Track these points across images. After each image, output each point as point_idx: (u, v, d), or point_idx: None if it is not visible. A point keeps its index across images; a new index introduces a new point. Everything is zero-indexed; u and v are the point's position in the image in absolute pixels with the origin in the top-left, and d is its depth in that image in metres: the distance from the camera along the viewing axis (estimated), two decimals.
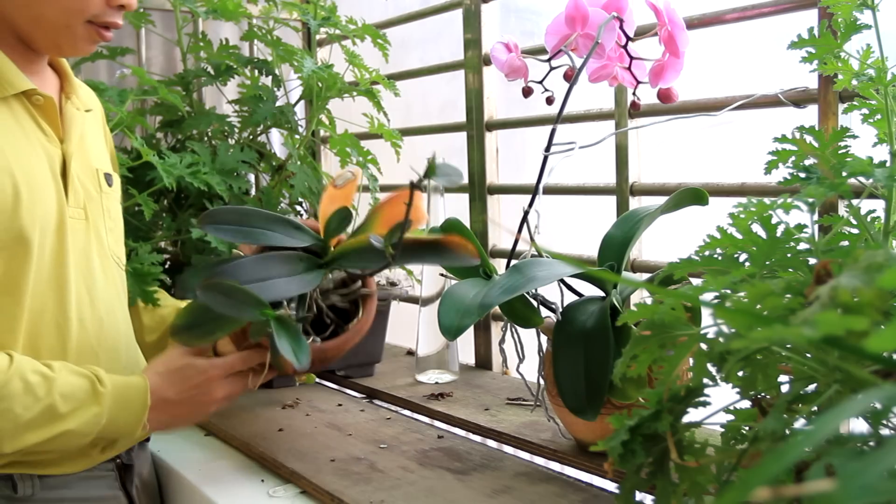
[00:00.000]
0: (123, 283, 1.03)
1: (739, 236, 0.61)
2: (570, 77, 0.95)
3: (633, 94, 0.99)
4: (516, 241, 1.00)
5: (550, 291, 0.96)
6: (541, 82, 0.99)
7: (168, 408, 0.93)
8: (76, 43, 0.92)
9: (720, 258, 0.61)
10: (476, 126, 1.44)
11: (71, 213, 0.92)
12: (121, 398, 0.90)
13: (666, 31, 0.91)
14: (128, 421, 0.90)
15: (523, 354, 1.00)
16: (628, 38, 0.94)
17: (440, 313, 0.88)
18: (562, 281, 0.94)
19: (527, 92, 1.00)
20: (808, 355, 0.49)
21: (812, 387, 0.50)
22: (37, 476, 0.90)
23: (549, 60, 0.97)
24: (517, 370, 1.01)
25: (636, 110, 1.04)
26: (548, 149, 0.95)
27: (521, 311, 0.95)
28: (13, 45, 0.91)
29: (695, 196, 0.91)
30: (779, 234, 0.59)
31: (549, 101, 0.98)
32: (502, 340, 1.04)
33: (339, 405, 1.25)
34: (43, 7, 0.88)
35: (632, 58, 0.95)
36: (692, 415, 0.57)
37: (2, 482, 0.89)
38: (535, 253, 0.96)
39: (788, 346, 0.50)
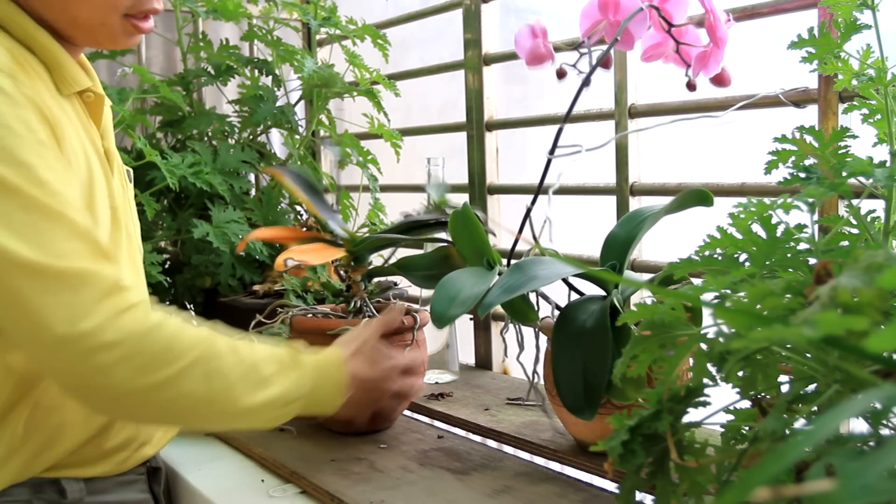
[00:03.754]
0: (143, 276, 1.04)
1: (739, 236, 0.61)
2: (605, 64, 0.94)
3: (686, 74, 0.97)
4: (516, 241, 1.00)
5: (553, 291, 0.96)
6: (574, 65, 0.96)
7: (358, 385, 0.91)
8: (115, 38, 0.90)
9: (720, 258, 0.61)
10: (476, 126, 1.44)
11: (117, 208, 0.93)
12: (320, 366, 0.88)
13: (709, 21, 0.91)
14: (329, 389, 0.88)
15: (524, 345, 1.01)
16: (671, 25, 0.93)
17: (433, 300, 0.89)
18: (565, 281, 0.95)
19: (560, 74, 0.98)
20: (808, 355, 0.49)
21: (812, 387, 0.50)
22: (83, 480, 0.90)
23: (577, 47, 0.96)
24: (517, 359, 1.01)
25: (692, 90, 1.00)
26: (552, 151, 0.94)
27: (517, 307, 0.95)
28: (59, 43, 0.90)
29: (699, 197, 0.91)
30: (779, 234, 0.59)
31: (587, 82, 0.96)
32: (504, 330, 1.05)
33: None
34: (77, 9, 0.86)
35: (678, 42, 0.94)
36: (692, 415, 0.57)
37: (49, 487, 0.88)
38: (538, 253, 0.96)
39: (788, 346, 0.50)
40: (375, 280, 1.15)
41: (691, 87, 0.99)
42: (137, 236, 1.01)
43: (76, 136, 0.86)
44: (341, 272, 1.11)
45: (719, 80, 0.95)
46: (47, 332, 0.73)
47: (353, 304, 1.09)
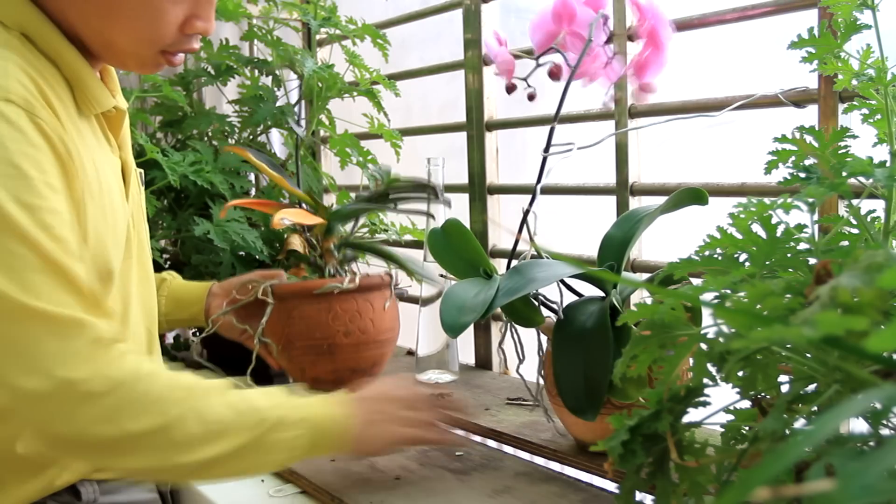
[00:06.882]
0: (154, 280, 1.03)
1: (739, 236, 0.60)
2: (555, 75, 0.94)
3: (614, 89, 0.98)
4: (516, 242, 1.00)
5: (552, 291, 0.96)
6: (525, 79, 0.97)
7: (365, 402, 0.86)
8: (143, 66, 0.88)
9: (720, 258, 0.61)
10: (476, 126, 1.44)
11: (131, 224, 0.91)
12: (314, 396, 0.84)
13: (648, 25, 0.91)
14: (331, 406, 0.83)
15: (523, 355, 1.00)
16: (610, 36, 0.94)
17: (442, 312, 0.88)
18: (562, 281, 0.94)
19: (510, 88, 0.98)
20: (808, 355, 0.49)
21: (812, 387, 0.50)
22: (96, 482, 0.90)
23: (537, 58, 0.97)
24: (517, 371, 1.01)
25: (618, 106, 1.03)
26: (546, 150, 0.95)
27: (522, 311, 0.95)
28: (82, 52, 0.86)
29: (694, 196, 0.91)
30: (779, 234, 0.59)
31: (531, 97, 0.97)
32: (502, 341, 1.04)
33: None
34: (115, 35, 0.83)
35: (608, 55, 0.95)
36: (692, 415, 0.57)
37: (65, 490, 0.87)
38: (535, 254, 0.96)
39: (788, 346, 0.50)
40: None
41: (616, 102, 1.00)
42: (147, 241, 1.00)
43: (91, 162, 0.82)
44: (312, 240, 1.22)
45: (645, 88, 0.95)
46: (33, 378, 0.69)
47: (326, 272, 1.20)
